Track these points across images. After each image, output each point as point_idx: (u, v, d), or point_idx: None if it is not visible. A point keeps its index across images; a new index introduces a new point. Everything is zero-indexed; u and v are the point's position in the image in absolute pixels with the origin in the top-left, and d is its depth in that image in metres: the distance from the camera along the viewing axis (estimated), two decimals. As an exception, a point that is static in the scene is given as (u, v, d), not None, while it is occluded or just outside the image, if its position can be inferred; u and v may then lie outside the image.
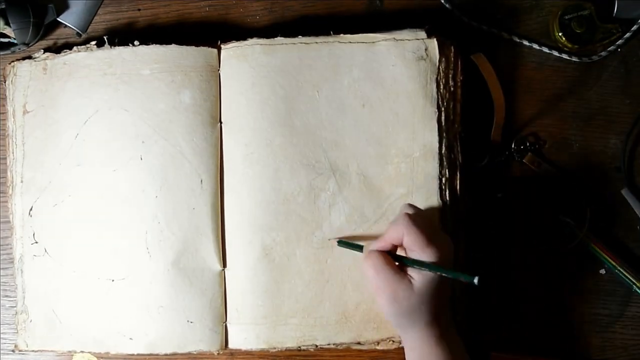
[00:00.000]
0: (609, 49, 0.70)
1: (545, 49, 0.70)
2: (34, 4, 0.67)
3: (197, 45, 0.67)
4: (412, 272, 0.58)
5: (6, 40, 0.69)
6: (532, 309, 0.69)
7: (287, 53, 0.66)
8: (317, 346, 0.66)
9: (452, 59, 0.66)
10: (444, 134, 0.66)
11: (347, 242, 0.64)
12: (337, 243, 0.64)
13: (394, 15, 0.70)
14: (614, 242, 0.69)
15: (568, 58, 0.70)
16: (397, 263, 0.60)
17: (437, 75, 0.66)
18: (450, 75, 0.66)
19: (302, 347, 0.66)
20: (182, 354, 0.66)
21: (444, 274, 0.57)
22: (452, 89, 0.66)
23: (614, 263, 0.68)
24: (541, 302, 0.69)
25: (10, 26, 0.67)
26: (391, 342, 0.66)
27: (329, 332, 0.65)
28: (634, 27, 0.69)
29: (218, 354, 0.68)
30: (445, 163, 0.65)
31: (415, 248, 0.58)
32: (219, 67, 0.67)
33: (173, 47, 0.67)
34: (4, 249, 0.71)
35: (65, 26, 0.71)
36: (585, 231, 0.68)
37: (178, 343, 0.66)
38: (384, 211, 0.65)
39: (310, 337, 0.65)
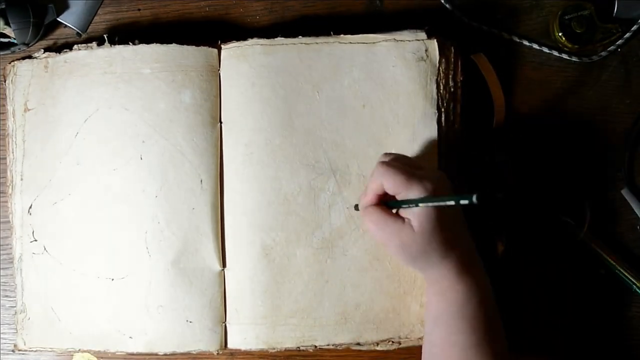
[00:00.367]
0: (609, 49, 0.70)
1: (545, 49, 0.70)
2: (34, 4, 0.67)
3: (197, 45, 0.67)
4: (406, 214, 0.57)
5: (6, 40, 0.70)
6: (532, 309, 0.69)
7: (287, 53, 0.66)
8: (316, 346, 0.66)
9: (452, 59, 0.66)
10: (444, 135, 0.66)
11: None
12: (354, 209, 0.64)
13: (394, 16, 0.70)
14: (614, 242, 0.69)
15: (568, 58, 0.70)
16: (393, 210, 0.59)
17: (437, 76, 0.66)
18: (451, 76, 0.66)
19: (302, 348, 0.66)
20: (181, 354, 0.66)
21: (436, 204, 0.55)
22: (452, 89, 0.66)
23: (614, 263, 0.68)
24: (541, 302, 0.69)
25: (10, 26, 0.67)
26: (390, 342, 0.66)
27: (328, 333, 0.65)
28: (634, 27, 0.69)
29: (217, 353, 0.67)
30: (445, 163, 0.65)
31: (399, 189, 0.56)
32: (219, 67, 0.67)
33: (174, 47, 0.67)
34: (4, 249, 0.71)
35: (65, 26, 0.71)
36: (585, 231, 0.68)
37: (177, 342, 0.66)
38: (384, 211, 0.65)
39: (310, 338, 0.65)
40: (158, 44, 0.67)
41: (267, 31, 0.69)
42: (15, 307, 0.68)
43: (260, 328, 0.66)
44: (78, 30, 0.70)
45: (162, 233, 0.66)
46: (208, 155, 0.66)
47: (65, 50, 0.68)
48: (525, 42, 0.70)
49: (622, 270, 0.68)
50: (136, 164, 0.66)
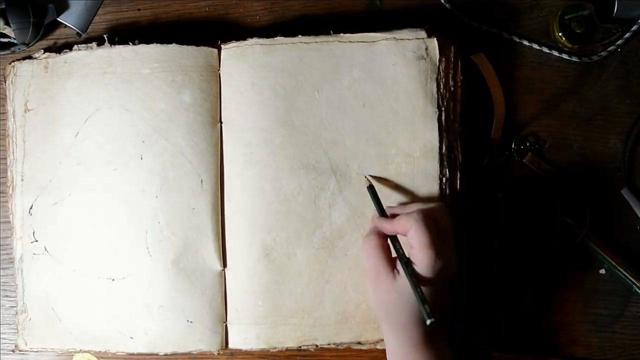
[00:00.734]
0: (609, 49, 0.70)
1: (545, 49, 0.70)
2: (34, 4, 0.67)
3: (197, 45, 0.67)
4: (399, 267, 0.58)
5: (6, 40, 0.70)
6: (532, 309, 0.69)
7: (287, 53, 0.66)
8: (317, 346, 0.66)
9: (452, 58, 0.66)
10: (444, 134, 0.66)
11: (374, 193, 0.63)
12: (367, 187, 0.64)
13: (394, 15, 0.70)
14: (614, 242, 0.69)
15: (568, 58, 0.70)
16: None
17: (437, 75, 0.66)
18: (451, 75, 0.66)
19: (302, 347, 0.66)
20: (182, 354, 0.66)
21: (413, 291, 0.56)
22: (452, 88, 0.66)
23: (614, 263, 0.68)
24: (541, 302, 0.69)
25: (10, 26, 0.67)
26: (391, 342, 0.66)
27: (329, 332, 0.65)
28: (634, 27, 0.69)
29: (218, 353, 0.68)
30: (445, 163, 0.65)
31: (415, 245, 0.57)
32: (219, 67, 0.67)
33: (173, 47, 0.67)
34: (4, 249, 0.71)
35: (65, 26, 0.71)
36: (585, 231, 0.68)
37: (178, 343, 0.66)
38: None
39: (311, 337, 0.65)
40: (158, 44, 0.67)
41: (267, 31, 0.69)
42: (15, 307, 0.68)
43: (260, 328, 0.66)
44: (78, 30, 0.70)
45: (162, 233, 0.66)
46: (208, 155, 0.66)
47: (65, 50, 0.68)
48: (525, 42, 0.70)
49: (622, 270, 0.68)
50: (136, 164, 0.66)
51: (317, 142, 0.66)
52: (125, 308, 0.66)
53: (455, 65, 0.66)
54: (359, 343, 0.66)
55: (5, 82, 0.69)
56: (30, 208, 0.67)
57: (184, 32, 0.71)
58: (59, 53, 0.68)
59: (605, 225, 0.70)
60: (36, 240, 0.67)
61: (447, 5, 0.70)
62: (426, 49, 0.66)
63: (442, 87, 0.66)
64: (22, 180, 0.67)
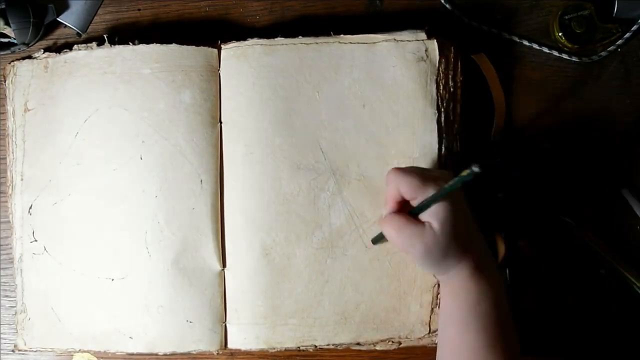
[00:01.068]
0: (609, 49, 0.70)
1: (545, 49, 0.70)
2: (34, 4, 0.67)
3: (197, 45, 0.67)
4: (426, 217, 0.57)
5: (6, 40, 0.70)
6: (532, 308, 0.69)
7: (287, 53, 0.66)
8: (316, 346, 0.66)
9: (452, 59, 0.66)
10: (444, 135, 0.66)
11: (377, 237, 0.63)
12: (372, 244, 0.64)
13: (394, 16, 0.70)
14: (614, 242, 0.69)
15: (568, 58, 0.70)
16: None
17: (437, 76, 0.66)
18: (450, 76, 0.66)
19: (302, 348, 0.66)
20: (181, 354, 0.66)
21: (450, 190, 0.55)
22: (452, 89, 0.66)
23: (614, 263, 0.68)
24: (541, 302, 0.69)
25: (10, 26, 0.67)
26: (390, 342, 0.66)
27: (328, 333, 0.66)
28: (634, 27, 0.69)
29: (217, 353, 0.68)
30: (445, 163, 0.65)
31: (415, 192, 0.57)
32: (219, 67, 0.67)
33: (173, 47, 0.67)
34: (4, 249, 0.71)
35: (65, 26, 0.71)
36: (585, 231, 0.68)
37: (177, 342, 0.66)
38: (384, 212, 0.65)
39: (310, 338, 0.65)
40: (158, 44, 0.67)
41: (267, 31, 0.69)
42: (15, 307, 0.68)
43: (260, 328, 0.66)
44: (78, 30, 0.70)
45: (162, 233, 0.66)
46: (208, 155, 0.66)
47: (65, 50, 0.68)
48: (525, 42, 0.70)
49: (622, 270, 0.68)
50: (136, 164, 0.66)
51: (316, 142, 0.66)
52: (124, 308, 0.66)
53: (455, 66, 0.66)
54: (358, 344, 0.66)
55: (5, 82, 0.69)
56: (30, 208, 0.67)
57: (184, 32, 0.71)
58: (59, 53, 0.68)
59: (605, 225, 0.70)
60: (36, 240, 0.67)
61: (447, 5, 0.70)
62: (426, 50, 0.66)
63: (441, 88, 0.66)
64: (22, 180, 0.67)
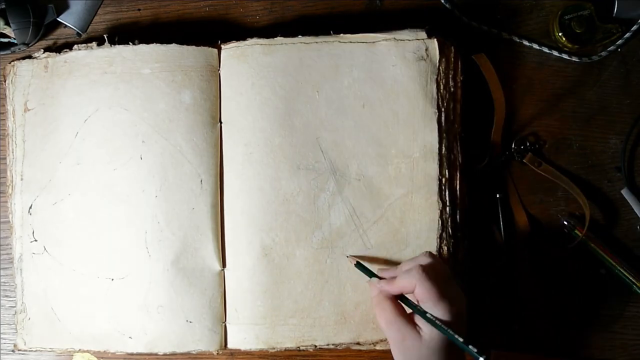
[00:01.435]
0: (609, 49, 0.70)
1: (545, 49, 0.70)
2: (34, 4, 0.67)
3: (197, 45, 0.67)
4: (420, 322, 0.57)
5: (6, 40, 0.70)
6: (532, 308, 0.69)
7: (287, 53, 0.66)
8: (316, 346, 0.66)
9: (452, 59, 0.66)
10: (444, 134, 0.66)
11: (363, 266, 0.63)
12: (354, 264, 0.64)
13: (394, 15, 0.70)
14: (614, 242, 0.69)
15: (568, 58, 0.70)
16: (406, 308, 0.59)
17: (437, 76, 0.66)
18: (450, 76, 0.66)
19: (301, 348, 0.66)
20: (181, 354, 0.66)
21: (451, 339, 0.55)
22: (452, 89, 0.66)
23: (614, 263, 0.68)
24: (541, 302, 0.69)
25: (10, 26, 0.67)
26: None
27: (328, 333, 0.65)
28: (634, 27, 0.69)
29: (217, 353, 0.67)
30: (445, 163, 0.65)
31: (428, 301, 0.56)
32: (219, 67, 0.67)
33: (173, 47, 0.67)
34: (4, 248, 0.71)
35: (65, 26, 0.71)
36: (585, 231, 0.68)
37: (177, 342, 0.66)
38: (384, 211, 0.65)
39: (310, 338, 0.65)
40: (158, 44, 0.67)
41: (267, 31, 0.69)
42: (15, 307, 0.68)
43: (260, 328, 0.66)
44: (78, 30, 0.71)
45: (161, 233, 0.66)
46: (208, 155, 0.66)
47: (65, 50, 0.69)
48: (525, 42, 0.70)
49: (622, 270, 0.68)
50: (136, 164, 0.66)
51: (316, 142, 0.66)
52: (124, 308, 0.66)
53: (455, 65, 0.66)
54: (358, 344, 0.66)
55: (5, 82, 0.69)
56: (30, 208, 0.67)
57: (184, 32, 0.71)
58: (59, 53, 0.68)
59: (605, 225, 0.70)
60: (35, 240, 0.67)
61: (447, 5, 0.70)
62: (426, 49, 0.66)
63: (442, 87, 0.66)
64: (22, 179, 0.67)
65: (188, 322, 0.66)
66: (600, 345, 0.69)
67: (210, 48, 0.67)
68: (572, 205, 0.70)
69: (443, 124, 0.66)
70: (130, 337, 0.66)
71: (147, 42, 0.67)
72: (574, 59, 0.70)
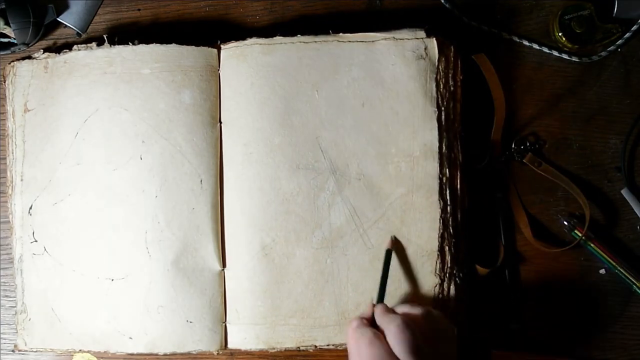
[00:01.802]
0: (609, 49, 0.70)
1: (545, 49, 0.70)
2: (34, 4, 0.67)
3: (197, 45, 0.67)
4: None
5: (6, 40, 0.70)
6: (532, 308, 0.69)
7: (286, 53, 0.66)
8: (316, 346, 0.66)
9: (452, 58, 0.66)
10: (444, 133, 0.66)
11: (388, 262, 0.63)
12: (388, 248, 0.64)
13: (394, 15, 0.70)
14: (614, 242, 0.69)
15: (568, 58, 0.70)
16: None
17: (437, 75, 0.66)
18: (450, 75, 0.66)
19: (302, 348, 0.66)
20: (181, 354, 0.66)
21: None
22: (451, 88, 0.66)
23: (614, 263, 0.68)
24: (541, 302, 0.69)
25: (10, 26, 0.67)
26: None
27: (328, 333, 0.65)
28: (634, 27, 0.69)
29: (217, 353, 0.67)
30: (445, 162, 0.65)
31: (398, 351, 0.54)
32: (219, 67, 0.67)
33: (173, 47, 0.67)
34: (4, 249, 0.71)
35: (65, 26, 0.71)
36: (585, 231, 0.68)
37: (177, 343, 0.66)
38: (384, 211, 0.65)
39: (310, 338, 0.65)
40: (158, 44, 0.67)
41: (267, 31, 0.69)
42: (15, 307, 0.68)
43: (260, 328, 0.65)
44: (78, 31, 0.70)
45: (162, 233, 0.66)
46: (208, 155, 0.66)
47: (65, 50, 0.69)
48: (525, 42, 0.70)
49: (622, 270, 0.68)
50: (136, 164, 0.66)
51: (316, 141, 0.66)
52: (124, 308, 0.66)
53: (454, 65, 0.66)
54: (359, 343, 0.66)
55: (5, 82, 0.69)
56: (30, 208, 0.67)
57: (184, 32, 0.71)
58: (59, 53, 0.68)
59: (605, 225, 0.70)
60: (36, 240, 0.67)
61: (447, 5, 0.70)
62: (425, 48, 0.66)
63: (441, 86, 0.66)
64: (22, 180, 0.67)
65: (188, 322, 0.66)
66: (600, 345, 0.69)
67: (209, 48, 0.67)
68: (572, 205, 0.70)
69: (443, 123, 0.66)
70: (130, 338, 0.66)
71: (147, 42, 0.67)
72: (574, 59, 0.70)
